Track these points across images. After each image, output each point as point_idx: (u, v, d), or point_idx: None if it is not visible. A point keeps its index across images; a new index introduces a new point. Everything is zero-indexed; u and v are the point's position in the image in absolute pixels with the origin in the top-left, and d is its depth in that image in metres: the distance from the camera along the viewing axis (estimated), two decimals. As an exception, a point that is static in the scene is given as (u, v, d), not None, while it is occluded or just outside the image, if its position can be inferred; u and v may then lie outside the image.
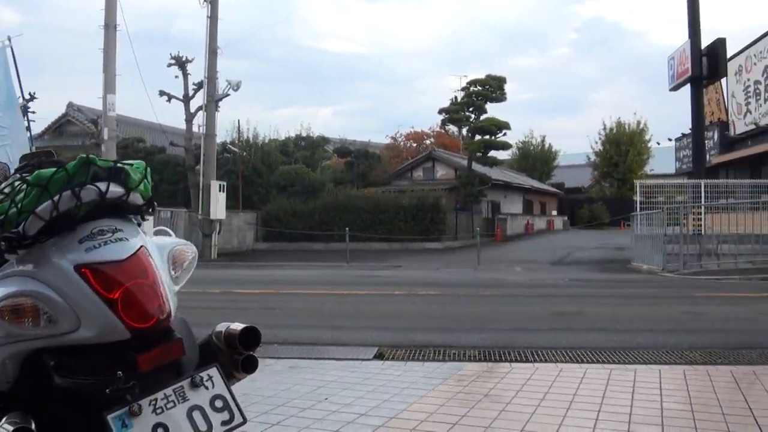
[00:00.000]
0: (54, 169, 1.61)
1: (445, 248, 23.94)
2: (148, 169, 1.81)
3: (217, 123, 21.49)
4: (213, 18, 20.54)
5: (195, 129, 23.48)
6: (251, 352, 1.77)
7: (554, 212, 45.80)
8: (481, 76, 29.10)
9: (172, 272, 1.73)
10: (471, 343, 5.86)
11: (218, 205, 20.30)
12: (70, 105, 33.27)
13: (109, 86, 16.09)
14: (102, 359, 1.50)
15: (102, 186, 1.63)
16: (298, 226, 24.43)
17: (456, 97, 30.33)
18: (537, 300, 9.32)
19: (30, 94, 29.48)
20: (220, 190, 20.54)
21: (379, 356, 5.39)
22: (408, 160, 35.14)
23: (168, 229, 2.06)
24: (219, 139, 29.70)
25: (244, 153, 27.82)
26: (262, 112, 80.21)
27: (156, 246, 1.73)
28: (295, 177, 25.86)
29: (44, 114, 45.61)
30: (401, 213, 24.09)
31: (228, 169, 26.72)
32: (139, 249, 1.62)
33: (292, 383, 4.49)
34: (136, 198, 1.72)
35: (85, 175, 1.62)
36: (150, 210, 1.78)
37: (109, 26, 16.02)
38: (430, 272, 14.82)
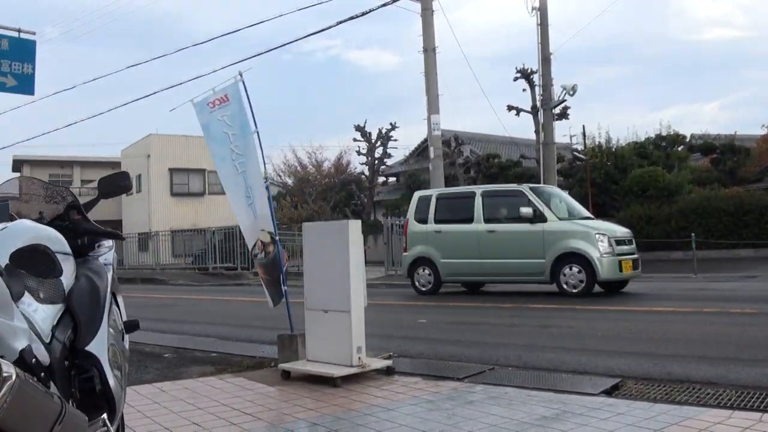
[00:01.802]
0: None
1: (838, 253, 19.75)
2: None
3: (555, 130, 20.87)
4: (543, 26, 20.02)
5: (547, 140, 23.08)
6: None
7: None
8: None
9: None
10: (741, 380, 4.49)
11: (558, 215, 19.54)
12: (430, 129, 35.33)
13: (432, 107, 16.57)
14: None
15: None
16: (654, 234, 22.39)
17: None
18: None
19: (391, 124, 32.46)
20: (560, 200, 19.79)
21: (609, 391, 4.41)
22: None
23: None
24: (578, 147, 29.02)
25: (596, 159, 26.58)
26: (640, 115, 76.20)
27: None
28: (649, 180, 23.82)
29: (412, 141, 49.76)
30: None
31: (579, 177, 25.79)
32: None
33: (457, 419, 3.88)
34: None
35: None
36: None
37: (428, 50, 16.53)
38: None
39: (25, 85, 14.36)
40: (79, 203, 3.10)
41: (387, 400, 4.45)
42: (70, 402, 2.26)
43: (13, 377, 1.51)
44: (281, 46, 38.77)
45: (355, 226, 5.25)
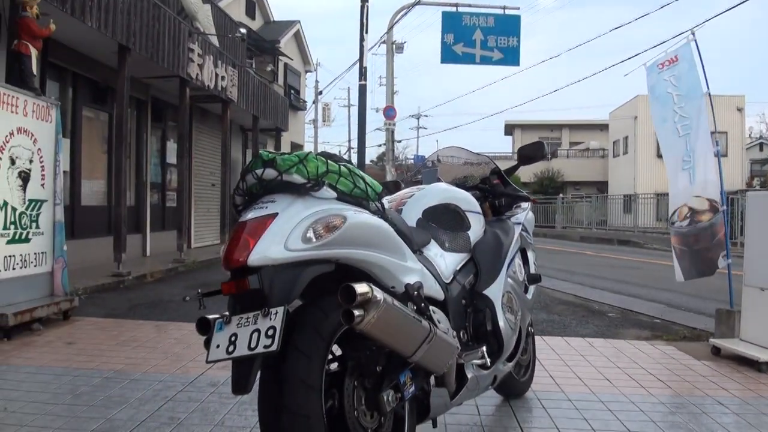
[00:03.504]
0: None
1: None
2: (309, 156, 2.15)
3: None
4: None
5: None
6: (349, 307, 1.98)
7: None
8: None
9: (311, 234, 2.06)
10: None
11: None
12: None
13: None
14: None
15: (259, 172, 2.11)
16: None
17: None
18: None
19: None
20: None
21: None
22: None
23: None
24: None
25: None
26: None
27: (299, 214, 2.08)
28: None
29: None
30: None
31: None
32: (267, 215, 2.06)
33: None
34: (293, 178, 2.10)
35: (255, 165, 2.13)
36: (314, 186, 2.13)
37: None
38: None
39: (510, 57, 15.84)
40: (500, 170, 3.64)
41: (813, 394, 4.06)
42: (461, 333, 2.79)
43: (381, 301, 2.06)
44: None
45: (806, 198, 4.79)
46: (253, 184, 2.16)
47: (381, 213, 2.39)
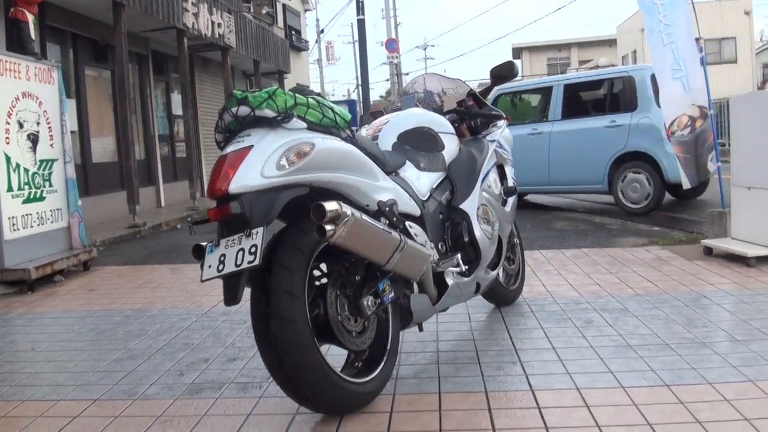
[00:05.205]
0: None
1: None
2: (278, 91, 2.35)
3: None
4: None
5: None
6: (320, 223, 2.20)
7: None
8: None
9: (284, 162, 2.26)
10: None
11: None
12: None
13: None
14: None
15: (234, 110, 2.32)
16: None
17: None
18: None
19: None
20: None
21: None
22: None
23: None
24: None
25: None
26: None
27: (272, 144, 2.28)
28: None
29: None
30: None
31: None
32: (244, 147, 2.26)
33: None
34: (265, 112, 2.30)
35: (230, 103, 2.34)
36: (285, 119, 2.32)
37: None
38: None
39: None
40: (474, 92, 3.79)
41: (790, 284, 4.25)
42: (440, 245, 3.02)
43: (349, 215, 2.28)
44: None
45: (785, 97, 4.89)
46: (230, 121, 2.37)
47: (351, 139, 2.59)
